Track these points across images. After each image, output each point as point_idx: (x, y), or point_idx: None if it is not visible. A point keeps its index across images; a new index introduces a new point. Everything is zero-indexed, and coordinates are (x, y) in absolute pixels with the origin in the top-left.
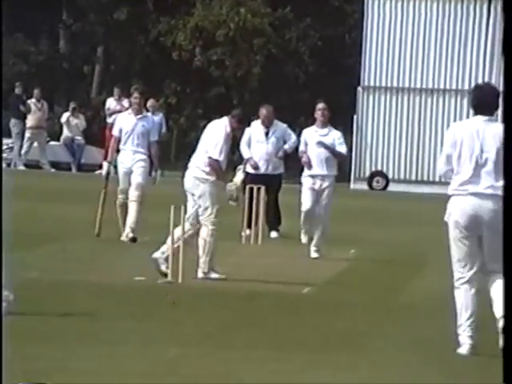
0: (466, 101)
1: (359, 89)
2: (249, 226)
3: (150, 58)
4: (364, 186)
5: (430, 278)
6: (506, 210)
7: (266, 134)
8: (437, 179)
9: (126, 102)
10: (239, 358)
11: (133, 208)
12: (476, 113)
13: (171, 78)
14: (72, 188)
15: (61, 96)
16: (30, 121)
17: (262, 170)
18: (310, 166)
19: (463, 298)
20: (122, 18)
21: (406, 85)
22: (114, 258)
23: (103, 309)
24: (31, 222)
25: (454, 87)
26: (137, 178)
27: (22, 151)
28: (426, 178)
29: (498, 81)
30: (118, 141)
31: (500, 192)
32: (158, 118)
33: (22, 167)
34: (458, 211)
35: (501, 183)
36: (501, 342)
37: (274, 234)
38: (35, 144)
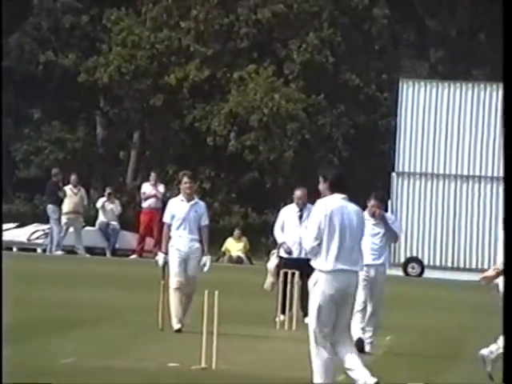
0: (501, 188)
1: (393, 174)
2: (283, 312)
3: (185, 144)
4: (399, 272)
5: (465, 368)
6: (506, 213)
7: (300, 217)
8: (473, 266)
9: (161, 188)
10: None
11: (188, 302)
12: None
13: (205, 162)
14: (106, 273)
15: (97, 181)
16: (67, 206)
17: (296, 254)
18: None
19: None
20: (158, 104)
21: (441, 171)
22: (149, 344)
23: None
24: (66, 306)
25: (489, 174)
26: (194, 269)
27: (57, 235)
28: (462, 265)
29: None
30: (168, 227)
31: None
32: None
33: (59, 252)
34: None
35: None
36: None
37: (308, 320)
38: (71, 229)
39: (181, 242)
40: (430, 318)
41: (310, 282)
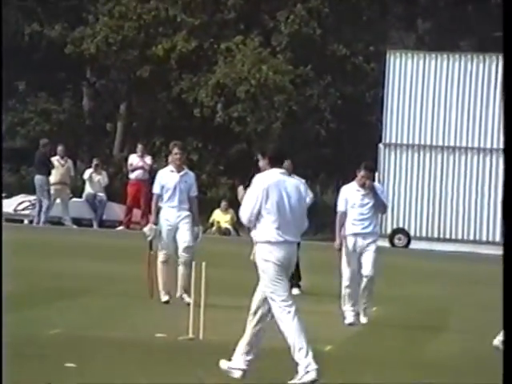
0: (488, 158)
1: (380, 146)
2: None
3: (172, 115)
4: (386, 244)
5: (452, 336)
6: (505, 213)
7: None
8: (459, 237)
9: (148, 159)
10: None
11: (185, 271)
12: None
13: (193, 134)
14: (93, 244)
15: (83, 153)
16: (53, 177)
17: None
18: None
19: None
20: (145, 76)
21: (428, 142)
22: (137, 314)
23: (124, 365)
24: (53, 278)
25: (476, 145)
26: (185, 237)
27: (46, 208)
28: (448, 236)
29: None
30: (158, 198)
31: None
32: None
33: (45, 224)
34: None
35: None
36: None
37: (296, 291)
38: (58, 200)
39: (170, 212)
40: (416, 289)
41: (257, 255)
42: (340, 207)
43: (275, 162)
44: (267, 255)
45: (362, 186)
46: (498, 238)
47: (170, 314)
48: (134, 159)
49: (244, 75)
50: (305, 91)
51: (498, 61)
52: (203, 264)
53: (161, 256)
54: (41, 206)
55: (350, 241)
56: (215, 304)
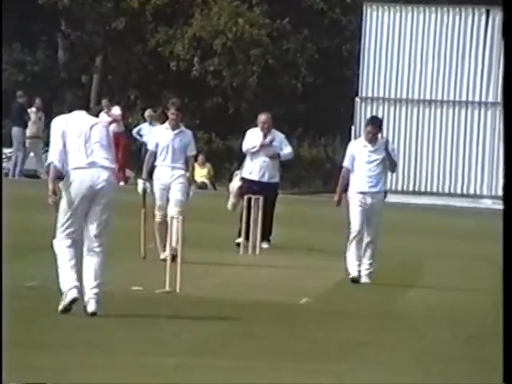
0: (463, 112)
1: (357, 99)
2: (246, 237)
3: (148, 68)
4: None
5: (427, 287)
6: (505, 210)
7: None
8: (434, 190)
9: (116, 109)
10: (236, 368)
11: (175, 225)
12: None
13: (169, 87)
14: None
15: (58, 105)
16: (29, 130)
17: (258, 177)
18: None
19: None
20: (121, 28)
21: (404, 96)
22: (113, 268)
23: (101, 318)
24: (29, 231)
25: (451, 98)
26: (176, 194)
27: (21, 161)
28: (423, 189)
29: (495, 91)
30: (154, 156)
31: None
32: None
33: (21, 177)
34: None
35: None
36: None
37: (265, 245)
38: (32, 154)
39: (163, 171)
40: (392, 242)
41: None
42: (345, 163)
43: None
44: (69, 182)
45: (370, 141)
46: (471, 190)
47: (147, 267)
48: (103, 117)
49: (220, 28)
50: (281, 45)
51: (473, 13)
52: (180, 218)
53: (157, 216)
54: (17, 159)
55: (357, 198)
56: (191, 258)
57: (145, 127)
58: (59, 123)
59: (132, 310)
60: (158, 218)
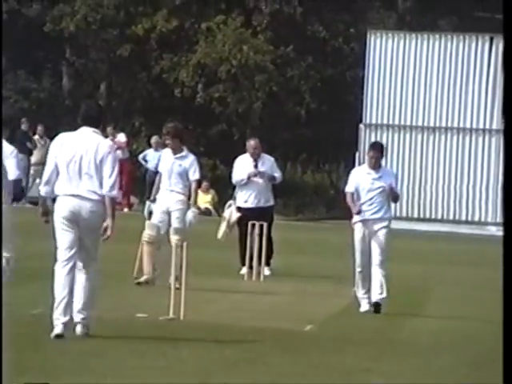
0: (468, 139)
1: (361, 126)
2: (250, 265)
3: (153, 95)
4: None
5: (431, 314)
6: (506, 212)
7: (255, 166)
8: (439, 217)
9: (121, 136)
10: None
11: (174, 253)
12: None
13: (173, 114)
14: None
15: (63, 132)
16: (34, 157)
17: (254, 203)
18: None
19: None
20: (125, 55)
21: (408, 122)
22: (117, 294)
23: (106, 345)
24: (33, 258)
25: (455, 125)
26: (174, 222)
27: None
28: (428, 216)
29: (499, 119)
30: (160, 177)
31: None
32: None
33: (26, 204)
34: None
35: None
36: None
37: (267, 272)
38: (37, 181)
39: (163, 195)
40: (396, 268)
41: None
42: (348, 188)
43: (84, 121)
44: (55, 207)
45: (373, 166)
46: (476, 217)
47: (151, 294)
48: None
49: (225, 55)
50: (285, 72)
51: (477, 40)
52: (184, 244)
53: (144, 236)
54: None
55: (359, 227)
56: (195, 284)
57: (150, 153)
58: (55, 145)
59: (137, 336)
60: (144, 238)
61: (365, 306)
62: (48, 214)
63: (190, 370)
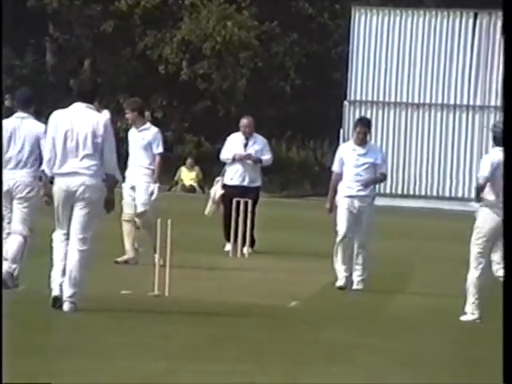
0: (451, 115)
1: (345, 103)
2: (235, 240)
3: (137, 72)
4: None
5: (415, 291)
6: (506, 213)
7: (245, 145)
8: (422, 193)
9: (105, 113)
10: (226, 372)
11: (145, 233)
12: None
13: (158, 91)
14: None
15: (47, 109)
16: None
17: (239, 181)
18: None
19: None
20: (109, 31)
21: (392, 99)
22: (102, 272)
23: (90, 322)
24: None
25: (439, 101)
26: (139, 199)
27: None
28: (411, 192)
29: (483, 95)
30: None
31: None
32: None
33: None
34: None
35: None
36: None
37: (249, 250)
38: None
39: (129, 170)
40: (380, 245)
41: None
42: (334, 167)
43: (79, 97)
44: (54, 185)
45: (360, 142)
46: (460, 193)
47: (136, 271)
48: None
49: (209, 31)
50: (270, 48)
51: (461, 17)
52: (168, 222)
53: (124, 215)
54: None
55: (345, 202)
56: (180, 261)
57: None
58: (51, 123)
59: (121, 313)
60: (124, 217)
61: (340, 281)
62: (50, 194)
63: (174, 347)
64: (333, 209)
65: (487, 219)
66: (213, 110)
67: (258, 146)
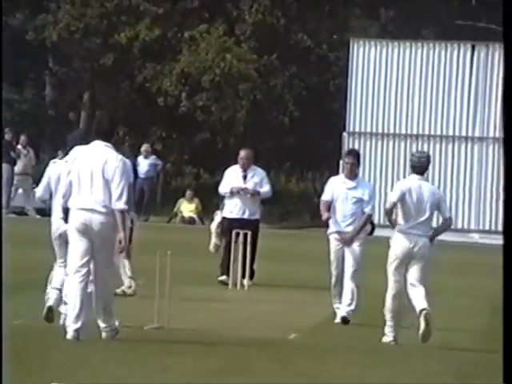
0: (450, 146)
1: (344, 134)
2: (228, 273)
3: (136, 104)
4: None
5: (415, 323)
6: (505, 213)
7: (244, 177)
8: None
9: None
10: None
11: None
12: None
13: (157, 123)
14: None
15: (46, 143)
16: (17, 167)
17: (240, 214)
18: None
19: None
20: (108, 64)
21: (391, 130)
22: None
23: (89, 355)
24: (17, 268)
25: (438, 133)
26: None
27: (7, 196)
28: None
29: (482, 126)
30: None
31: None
32: (151, 160)
33: (9, 214)
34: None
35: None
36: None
37: (249, 282)
38: (20, 191)
39: None
40: (379, 277)
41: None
42: (324, 196)
43: (98, 135)
44: (69, 220)
45: (349, 173)
46: (459, 225)
47: (136, 303)
48: None
49: (208, 64)
50: (269, 80)
51: (459, 48)
52: (168, 253)
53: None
54: (5, 195)
55: (334, 239)
56: (180, 293)
57: (140, 160)
58: (70, 159)
59: (121, 346)
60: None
61: (338, 318)
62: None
63: (173, 380)
64: (329, 217)
65: (398, 243)
66: (212, 142)
67: (257, 178)
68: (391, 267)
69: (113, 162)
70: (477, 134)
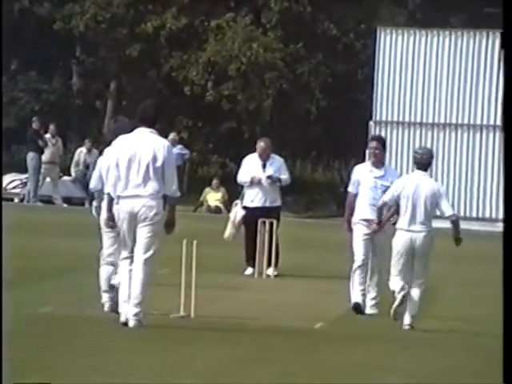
0: (478, 136)
1: (371, 123)
2: (252, 264)
3: (162, 93)
4: None
5: (441, 313)
6: (506, 213)
7: (263, 166)
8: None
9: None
10: None
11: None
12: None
13: (183, 112)
14: (84, 222)
15: (73, 132)
16: (44, 156)
17: (261, 203)
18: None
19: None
20: (135, 54)
21: (418, 119)
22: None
23: (115, 343)
24: (44, 256)
25: (466, 122)
26: None
27: (34, 185)
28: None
29: None
30: None
31: None
32: (178, 149)
33: (36, 202)
34: None
35: None
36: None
37: (275, 272)
38: (48, 179)
39: None
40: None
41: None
42: (350, 188)
43: (142, 122)
44: (119, 207)
45: (375, 160)
46: (487, 214)
47: (161, 292)
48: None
49: (235, 53)
50: (295, 69)
51: (487, 37)
52: (194, 242)
53: None
54: (32, 184)
55: (360, 227)
56: (206, 282)
57: None
58: (116, 148)
59: (147, 334)
60: None
61: (357, 298)
62: (114, 219)
63: (198, 369)
64: (350, 227)
65: (399, 239)
66: (238, 131)
67: (276, 166)
68: (397, 265)
69: (161, 149)
70: None
